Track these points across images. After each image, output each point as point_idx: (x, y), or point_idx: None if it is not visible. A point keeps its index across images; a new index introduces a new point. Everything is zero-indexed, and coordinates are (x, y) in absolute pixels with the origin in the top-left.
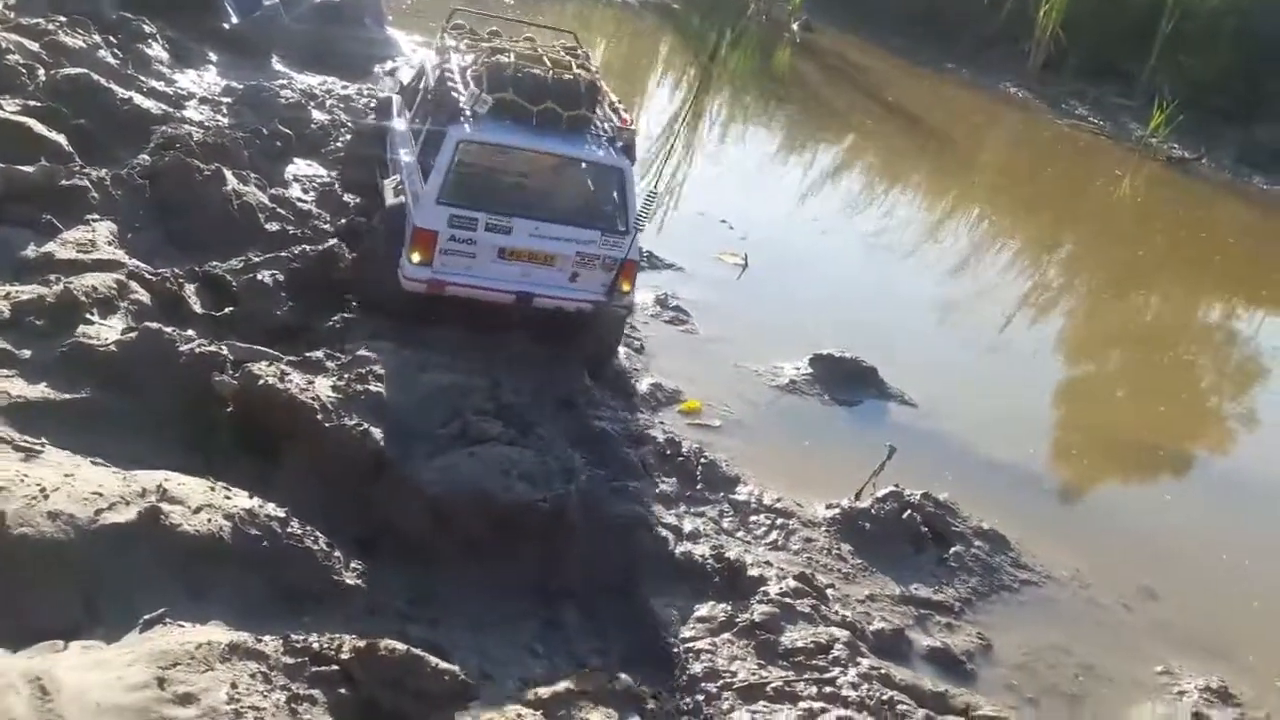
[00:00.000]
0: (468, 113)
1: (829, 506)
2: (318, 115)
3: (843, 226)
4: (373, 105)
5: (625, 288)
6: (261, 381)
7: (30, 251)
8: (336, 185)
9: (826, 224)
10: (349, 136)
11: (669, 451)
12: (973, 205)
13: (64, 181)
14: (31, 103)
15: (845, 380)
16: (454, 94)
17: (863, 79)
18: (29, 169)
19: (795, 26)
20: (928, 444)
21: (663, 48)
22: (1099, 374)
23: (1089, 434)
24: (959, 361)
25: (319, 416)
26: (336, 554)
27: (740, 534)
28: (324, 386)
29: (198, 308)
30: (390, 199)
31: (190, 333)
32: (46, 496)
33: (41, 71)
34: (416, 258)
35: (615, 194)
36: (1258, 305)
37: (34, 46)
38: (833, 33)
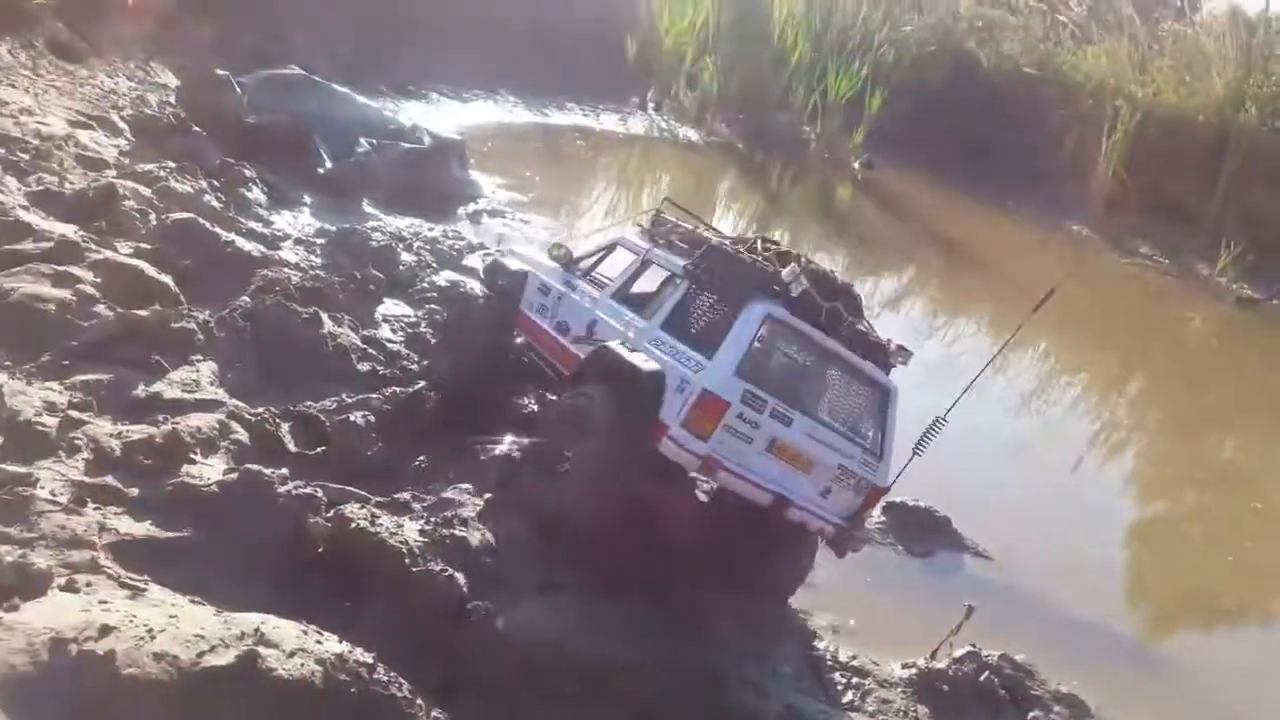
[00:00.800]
0: (775, 288)
1: (905, 666)
2: (405, 256)
3: (909, 369)
4: (499, 283)
5: (865, 518)
6: (354, 525)
7: (140, 391)
8: (423, 325)
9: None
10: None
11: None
12: (1038, 342)
13: (174, 324)
14: (143, 245)
15: (919, 531)
16: (751, 265)
17: (924, 216)
18: (143, 312)
19: (857, 165)
20: (1004, 599)
21: (724, 183)
22: (1174, 523)
23: (1168, 588)
24: (1031, 508)
25: (406, 561)
26: (419, 702)
27: (816, 692)
28: (412, 530)
29: (292, 447)
30: (641, 362)
31: (284, 471)
32: (153, 637)
33: (153, 216)
34: (695, 428)
35: (878, 414)
36: None
37: (147, 192)
38: (894, 170)
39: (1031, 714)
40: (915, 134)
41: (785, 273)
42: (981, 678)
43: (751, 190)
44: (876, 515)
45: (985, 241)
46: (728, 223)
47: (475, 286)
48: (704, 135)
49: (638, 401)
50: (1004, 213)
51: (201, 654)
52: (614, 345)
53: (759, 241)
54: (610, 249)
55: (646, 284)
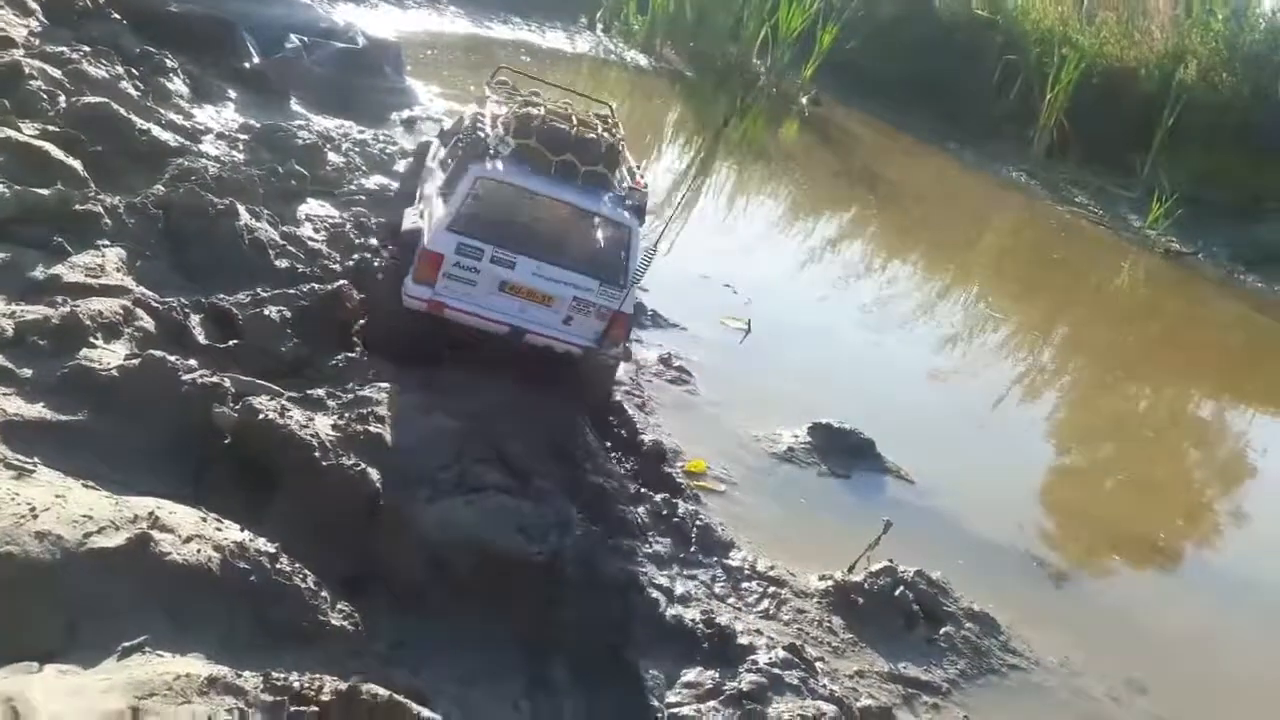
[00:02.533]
0: (491, 152)
1: (822, 578)
2: (333, 157)
3: (843, 297)
4: (411, 150)
5: (616, 338)
6: (261, 416)
7: (39, 273)
8: (348, 226)
9: (828, 293)
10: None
11: (665, 511)
12: (971, 283)
13: (78, 206)
14: (51, 128)
15: (843, 451)
16: (482, 135)
17: (868, 154)
18: (44, 191)
19: (804, 100)
20: (923, 521)
21: (673, 113)
22: (1091, 459)
23: (1081, 520)
24: (955, 438)
25: (316, 454)
26: (324, 594)
27: (732, 600)
28: (324, 424)
29: (202, 339)
30: (407, 224)
31: (193, 362)
32: (35, 516)
33: (63, 98)
34: (420, 277)
35: (619, 250)
36: (1247, 402)
37: (57, 73)
38: (841, 107)
39: (944, 629)
40: (864, 72)
41: (491, 139)
42: (896, 592)
43: (697, 120)
44: (803, 435)
45: (926, 183)
46: (672, 151)
47: None
48: (653, 61)
49: (400, 251)
50: (946, 154)
51: (89, 534)
52: (408, 209)
53: (518, 108)
54: (460, 119)
55: (451, 153)
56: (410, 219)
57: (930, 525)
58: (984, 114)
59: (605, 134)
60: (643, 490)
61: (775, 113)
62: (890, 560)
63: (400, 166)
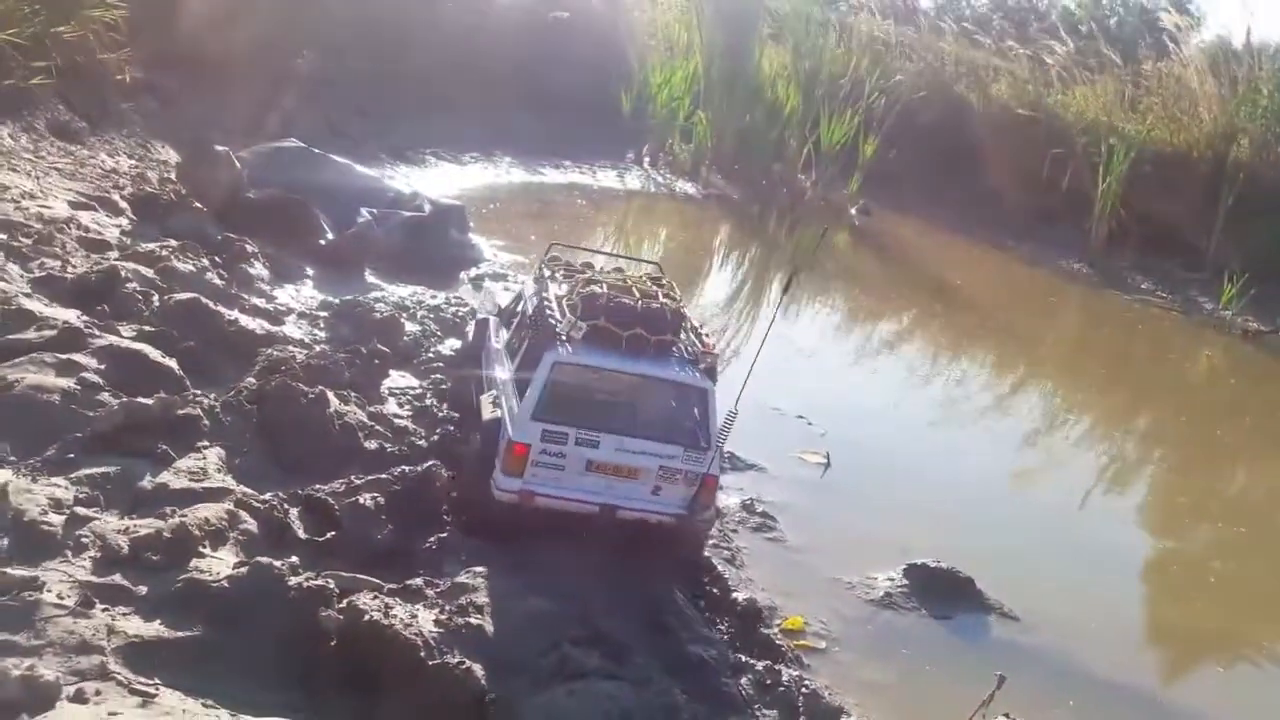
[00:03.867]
0: (564, 337)
1: None
2: (409, 326)
3: (917, 411)
4: (468, 328)
5: (706, 502)
6: (367, 617)
7: (147, 483)
8: (428, 396)
9: (902, 410)
10: (452, 354)
11: (768, 680)
12: (1046, 382)
13: (179, 411)
14: (147, 328)
15: (942, 592)
16: (551, 320)
17: (922, 259)
18: (148, 401)
19: (853, 211)
20: (1033, 663)
21: (721, 235)
22: (1192, 563)
23: (1195, 636)
24: (1052, 560)
25: (422, 654)
26: None
27: None
28: (426, 620)
29: (301, 534)
30: (487, 414)
31: (294, 560)
32: None
33: (156, 297)
34: (509, 470)
35: (697, 412)
36: None
37: (149, 273)
38: (890, 216)
39: None
40: (910, 179)
41: (562, 326)
42: None
43: (749, 240)
44: (898, 578)
45: (987, 284)
46: (725, 272)
47: None
48: (700, 188)
49: (480, 449)
50: (1002, 253)
51: None
52: (485, 396)
53: (581, 286)
54: (518, 298)
55: (518, 334)
56: (488, 408)
57: (1042, 667)
58: (1036, 209)
59: (666, 299)
60: (743, 659)
61: (825, 226)
62: (1006, 714)
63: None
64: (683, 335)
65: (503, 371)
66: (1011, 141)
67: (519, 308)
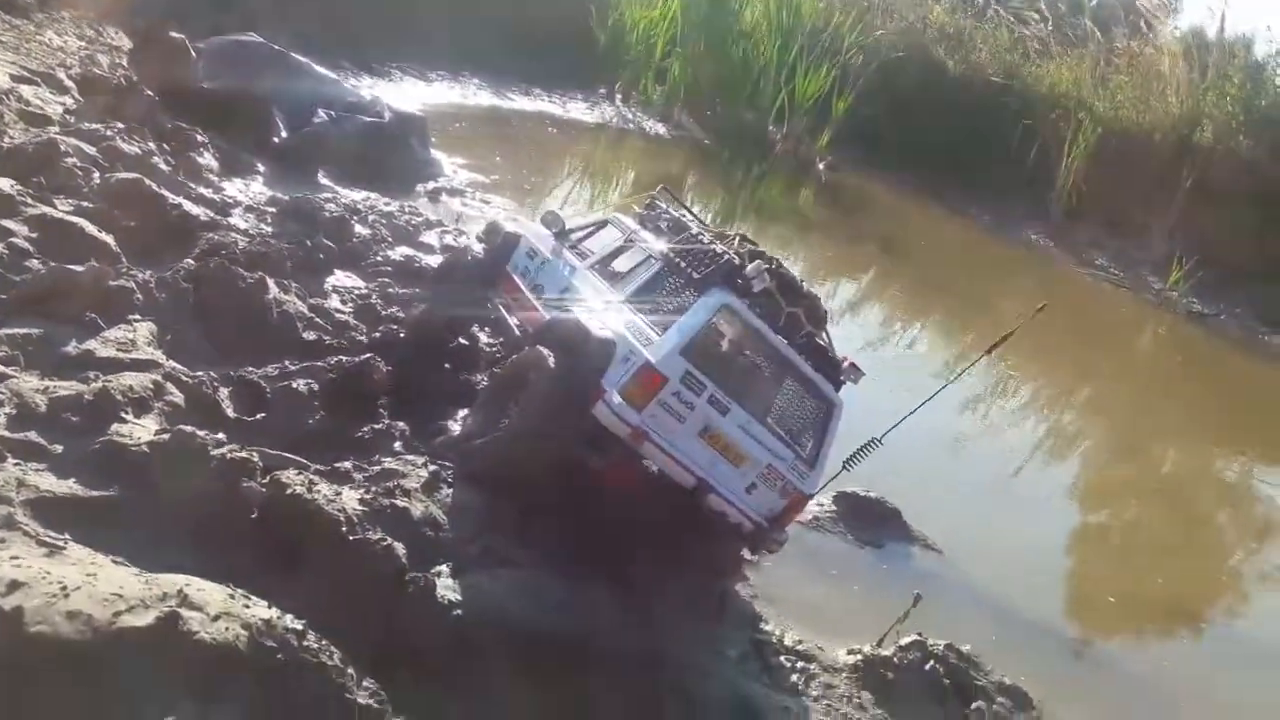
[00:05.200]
0: (739, 281)
1: (850, 652)
2: (360, 229)
3: (866, 357)
4: (481, 237)
5: (786, 523)
6: (290, 490)
7: (72, 348)
8: (374, 297)
9: (849, 354)
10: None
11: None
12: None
13: (111, 282)
14: (85, 204)
15: (870, 520)
16: (722, 256)
17: (886, 219)
18: (78, 268)
19: (821, 166)
20: (951, 592)
21: (690, 178)
22: (1117, 524)
23: (1111, 588)
24: (979, 505)
25: (344, 529)
26: (350, 671)
27: (760, 676)
28: (351, 499)
29: (231, 412)
30: (597, 329)
31: (222, 436)
32: (67, 595)
33: (97, 175)
34: (631, 397)
35: (819, 427)
36: (1276, 462)
37: (92, 151)
38: (858, 172)
39: (975, 704)
40: (880, 137)
41: (750, 268)
42: (926, 666)
43: (716, 186)
44: (828, 504)
45: (945, 247)
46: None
47: (431, 261)
48: (671, 129)
49: (584, 365)
50: (965, 219)
51: (118, 613)
52: (576, 310)
53: (738, 239)
54: (601, 225)
55: (625, 262)
56: (597, 325)
57: (959, 596)
58: (1002, 178)
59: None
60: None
61: (792, 178)
62: (920, 634)
63: (428, 238)
64: (824, 336)
65: (598, 291)
66: (983, 109)
67: (626, 236)
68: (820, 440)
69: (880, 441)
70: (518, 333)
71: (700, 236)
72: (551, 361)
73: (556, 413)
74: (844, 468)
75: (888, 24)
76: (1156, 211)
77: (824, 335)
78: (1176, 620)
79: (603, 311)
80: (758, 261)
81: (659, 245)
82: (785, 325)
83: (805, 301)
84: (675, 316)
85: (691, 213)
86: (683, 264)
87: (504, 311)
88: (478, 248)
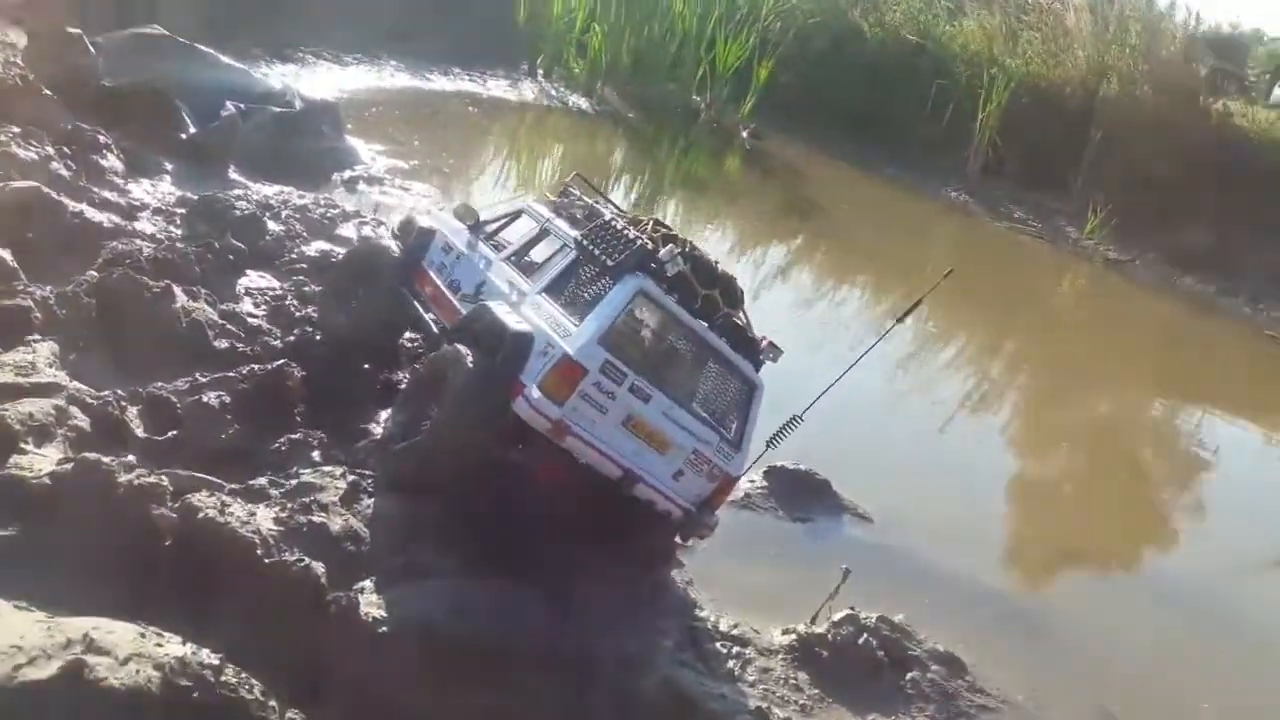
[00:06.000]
0: (653, 266)
1: (785, 632)
2: (273, 226)
3: (790, 325)
4: (396, 231)
5: (716, 504)
6: (201, 515)
7: None
8: (289, 298)
9: (775, 321)
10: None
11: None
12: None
13: (6, 301)
14: None
15: (800, 494)
16: (635, 241)
17: (809, 186)
18: None
19: (745, 134)
20: (883, 561)
21: (616, 153)
22: (1045, 477)
23: (1040, 544)
24: (908, 468)
25: (259, 552)
26: (273, 704)
27: (696, 664)
28: (266, 518)
29: (140, 432)
30: (513, 323)
31: (130, 458)
32: None
33: None
34: (551, 390)
35: (740, 408)
36: (1196, 403)
37: None
38: (781, 140)
39: (910, 674)
40: (801, 104)
41: (664, 252)
42: (860, 640)
43: (642, 159)
44: (758, 480)
45: (868, 209)
46: (618, 194)
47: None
48: (594, 104)
49: (501, 360)
50: (886, 180)
51: (18, 667)
52: (492, 304)
53: (651, 223)
54: (515, 215)
55: (540, 252)
56: (512, 319)
57: (890, 565)
58: (919, 138)
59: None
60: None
61: (717, 148)
62: (852, 607)
63: (345, 231)
64: (741, 316)
65: (513, 284)
66: (899, 71)
67: (539, 225)
68: (744, 421)
69: (801, 418)
70: (435, 330)
71: (613, 223)
72: (469, 359)
73: (476, 411)
74: (768, 446)
75: None
76: (1070, 164)
77: (742, 315)
78: (1106, 572)
79: (519, 304)
80: (670, 245)
81: (573, 233)
82: (702, 307)
83: (721, 283)
84: (591, 306)
85: (606, 198)
86: (596, 251)
87: (421, 309)
88: (393, 244)
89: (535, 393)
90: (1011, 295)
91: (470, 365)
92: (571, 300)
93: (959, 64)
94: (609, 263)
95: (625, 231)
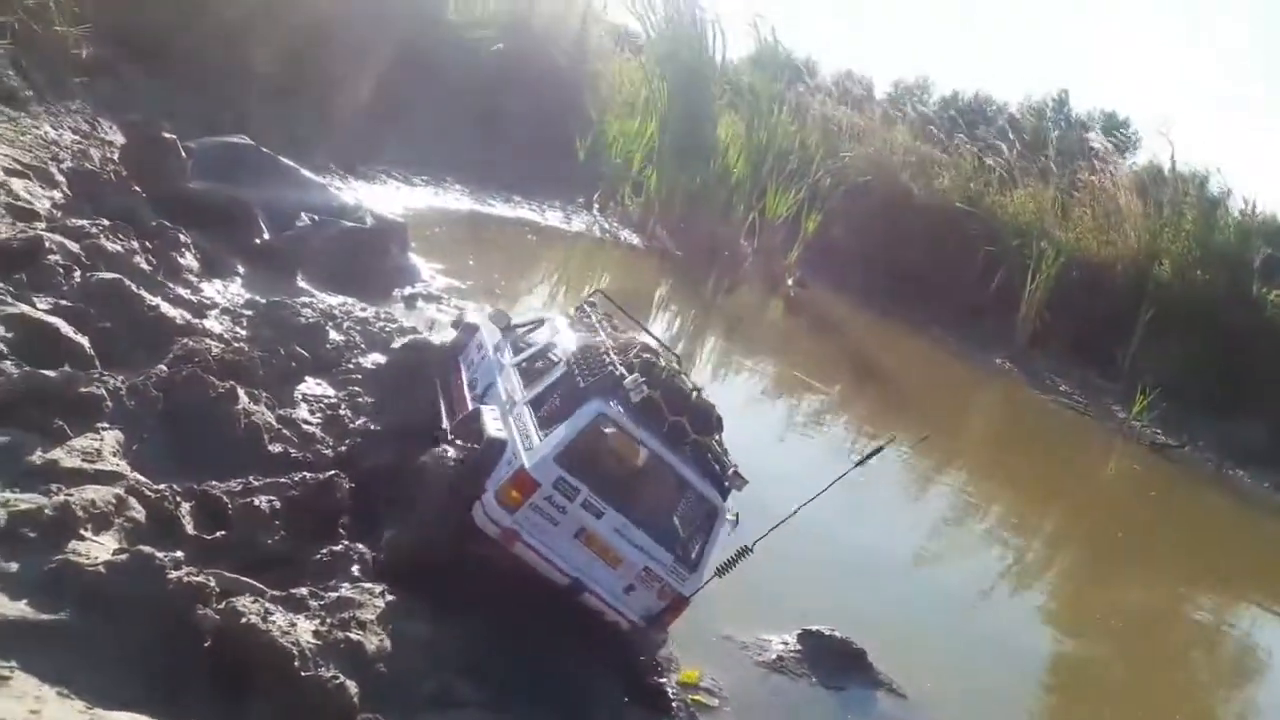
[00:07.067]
0: (619, 394)
1: None
2: (334, 335)
3: (828, 480)
4: (454, 325)
5: (667, 623)
6: (244, 620)
7: (36, 457)
8: (342, 407)
9: (814, 477)
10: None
11: None
12: (958, 474)
13: (82, 389)
14: (64, 302)
15: (834, 662)
16: (611, 368)
17: (852, 338)
18: (51, 374)
19: (790, 282)
20: None
21: (661, 288)
22: (1084, 663)
23: None
24: (945, 643)
25: (296, 664)
26: None
27: None
28: (305, 630)
29: (190, 529)
30: (492, 430)
31: (180, 555)
32: None
33: (78, 273)
34: (506, 500)
35: (701, 531)
36: (1249, 600)
37: (75, 248)
38: (826, 291)
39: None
40: (848, 258)
41: (628, 381)
42: None
43: (687, 295)
44: (792, 643)
45: (911, 368)
46: (659, 325)
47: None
48: (645, 240)
49: (470, 465)
50: (930, 341)
51: None
52: (485, 409)
53: (639, 349)
54: (539, 324)
55: (542, 363)
56: (492, 424)
57: None
58: (967, 302)
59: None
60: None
61: (762, 293)
62: None
63: (400, 344)
64: (715, 443)
65: (519, 392)
66: (949, 234)
67: (551, 339)
68: (704, 543)
69: (751, 549)
70: (445, 425)
71: (600, 346)
72: (450, 460)
73: (443, 511)
74: (717, 575)
75: (855, 148)
76: (1118, 341)
77: (716, 442)
78: None
79: (509, 411)
80: (635, 375)
81: (568, 351)
82: (669, 432)
83: (690, 410)
84: (561, 422)
85: (630, 316)
86: (577, 372)
87: (443, 404)
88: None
89: (490, 499)
90: (1054, 470)
91: (447, 467)
92: (549, 415)
93: (1009, 232)
94: (582, 385)
95: (604, 356)
